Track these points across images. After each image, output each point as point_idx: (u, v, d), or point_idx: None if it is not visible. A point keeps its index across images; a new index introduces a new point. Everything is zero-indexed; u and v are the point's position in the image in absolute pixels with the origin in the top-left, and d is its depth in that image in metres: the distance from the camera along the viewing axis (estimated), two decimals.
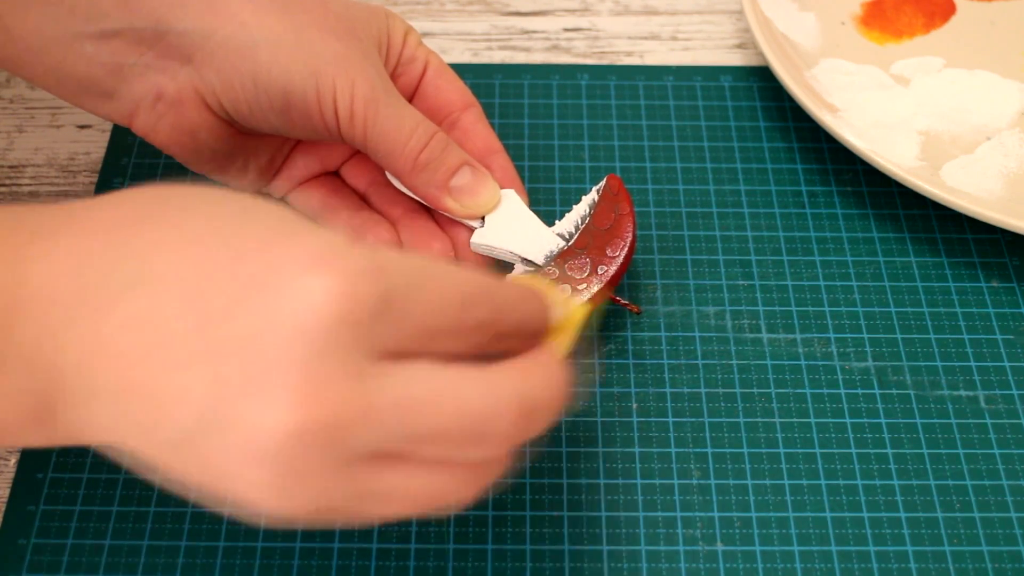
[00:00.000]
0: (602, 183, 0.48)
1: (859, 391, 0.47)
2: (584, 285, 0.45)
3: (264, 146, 0.48)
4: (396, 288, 0.31)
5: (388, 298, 0.31)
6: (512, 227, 0.47)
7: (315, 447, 0.30)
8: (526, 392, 0.33)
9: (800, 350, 0.48)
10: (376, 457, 0.32)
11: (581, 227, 0.47)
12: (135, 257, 0.33)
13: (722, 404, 0.47)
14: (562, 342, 0.38)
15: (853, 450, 0.45)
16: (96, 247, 0.34)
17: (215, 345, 0.31)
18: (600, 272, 0.45)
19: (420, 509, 0.33)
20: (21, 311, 0.33)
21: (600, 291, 0.45)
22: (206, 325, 0.31)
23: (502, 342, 0.34)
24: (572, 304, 0.41)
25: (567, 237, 0.47)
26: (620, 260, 0.46)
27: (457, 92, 0.48)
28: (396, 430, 0.31)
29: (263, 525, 0.37)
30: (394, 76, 0.47)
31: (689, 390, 0.47)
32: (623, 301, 0.47)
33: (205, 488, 0.33)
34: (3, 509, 0.44)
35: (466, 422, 0.32)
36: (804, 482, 0.45)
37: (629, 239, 0.46)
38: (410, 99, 0.48)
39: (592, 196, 0.48)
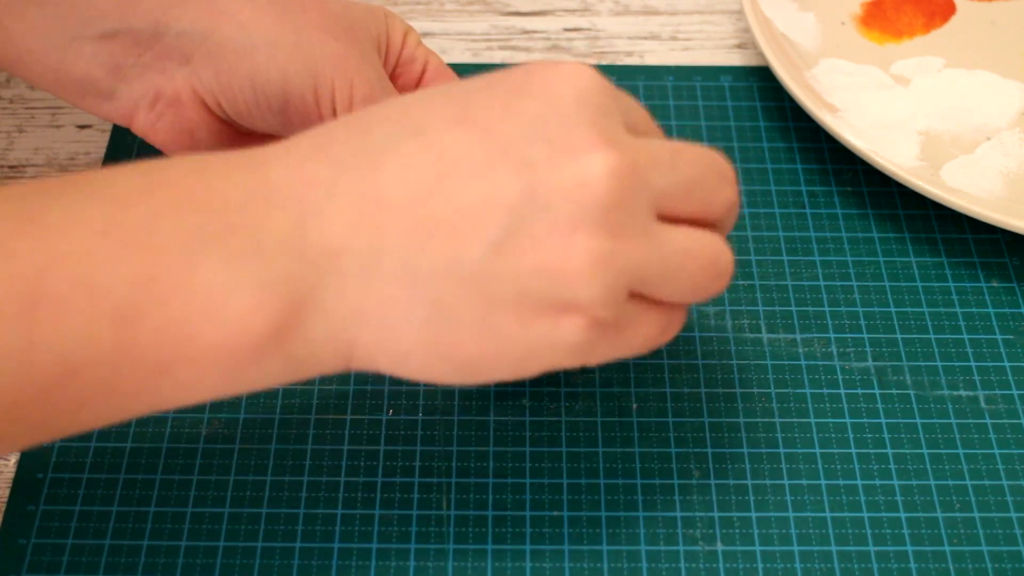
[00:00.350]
0: None
1: (859, 391, 0.47)
2: None
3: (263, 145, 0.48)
4: (616, 89, 0.37)
5: (616, 89, 0.36)
6: None
7: (629, 191, 0.34)
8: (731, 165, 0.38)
9: (800, 350, 0.48)
10: (660, 216, 0.35)
11: None
12: (388, 123, 0.35)
13: (722, 404, 0.47)
14: None
15: (853, 450, 0.45)
16: (339, 135, 0.35)
17: (507, 143, 0.33)
18: None
19: (709, 273, 0.36)
20: (274, 201, 0.33)
21: None
22: (489, 133, 0.33)
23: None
24: None
25: None
26: None
27: None
28: (672, 173, 0.35)
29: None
30: (393, 76, 0.47)
31: (689, 390, 0.47)
32: None
33: (505, 327, 0.34)
34: (3, 509, 0.44)
35: (710, 163, 0.37)
36: (804, 482, 0.45)
37: None
38: None
39: None
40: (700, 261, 0.36)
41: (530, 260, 0.33)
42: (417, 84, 0.48)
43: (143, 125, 0.46)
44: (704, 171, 0.36)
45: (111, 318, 0.31)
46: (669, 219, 0.36)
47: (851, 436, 0.46)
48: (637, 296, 0.35)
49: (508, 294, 0.33)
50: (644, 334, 0.36)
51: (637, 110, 0.38)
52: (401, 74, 0.48)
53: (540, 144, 0.33)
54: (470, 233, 0.33)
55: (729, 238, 0.52)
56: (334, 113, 0.44)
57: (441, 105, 0.35)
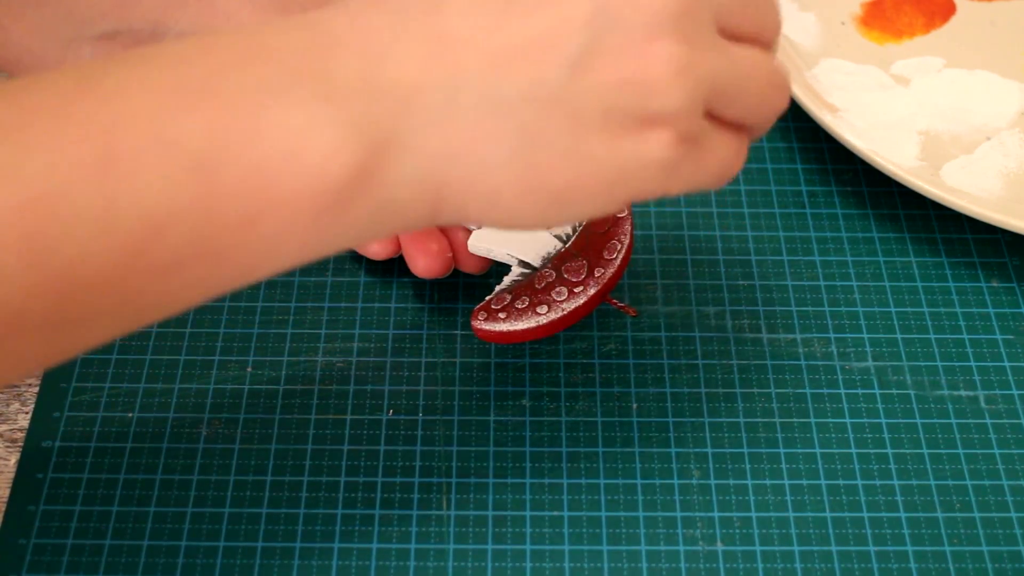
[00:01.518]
0: None
1: (859, 391, 0.47)
2: (581, 288, 0.45)
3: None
4: None
5: None
6: None
7: (697, 3, 0.34)
8: None
9: (800, 350, 0.48)
10: (721, 31, 0.35)
11: (579, 229, 0.47)
12: None
13: (722, 404, 0.47)
14: None
15: (853, 450, 0.45)
16: None
17: None
18: (597, 275, 0.45)
19: (772, 88, 0.37)
20: (334, 47, 0.32)
21: (596, 294, 0.45)
22: None
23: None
24: None
25: (564, 239, 0.47)
26: (617, 263, 0.46)
27: None
28: None
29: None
30: None
31: (689, 390, 0.47)
32: (619, 304, 0.47)
33: (592, 146, 0.34)
34: (3, 509, 0.44)
35: None
36: (804, 482, 0.45)
37: (626, 242, 0.46)
38: None
39: None
40: (764, 72, 0.37)
41: (611, 74, 0.33)
42: None
43: None
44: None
45: (188, 170, 0.31)
46: (727, 35, 0.36)
47: (851, 436, 0.46)
48: (709, 116, 0.36)
49: (593, 112, 0.33)
50: (720, 156, 0.37)
51: None
52: None
53: None
54: (547, 55, 0.33)
55: (729, 238, 0.52)
56: None
57: None
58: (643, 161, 0.34)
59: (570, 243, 0.47)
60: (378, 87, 0.32)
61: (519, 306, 0.44)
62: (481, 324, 0.44)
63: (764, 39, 0.38)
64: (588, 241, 0.47)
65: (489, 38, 0.33)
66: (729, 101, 0.36)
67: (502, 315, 0.44)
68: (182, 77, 0.31)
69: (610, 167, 0.34)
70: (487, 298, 0.45)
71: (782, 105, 0.38)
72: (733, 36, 0.36)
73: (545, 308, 0.44)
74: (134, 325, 0.33)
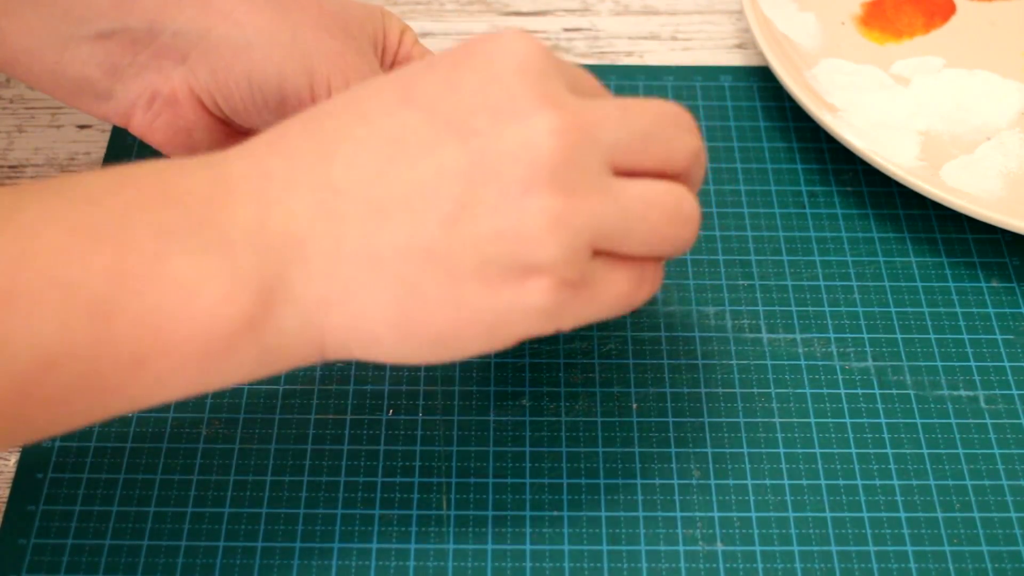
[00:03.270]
0: None
1: (859, 391, 0.47)
2: None
3: None
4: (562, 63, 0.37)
5: (559, 59, 0.37)
6: None
7: (578, 148, 0.34)
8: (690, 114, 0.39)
9: (800, 350, 0.48)
10: (616, 170, 0.35)
11: None
12: (337, 115, 0.35)
13: (722, 404, 0.47)
14: None
15: (853, 450, 0.45)
16: (292, 131, 0.35)
17: (451, 116, 0.34)
18: None
19: (672, 221, 0.36)
20: (235, 195, 0.34)
21: None
22: (433, 110, 0.34)
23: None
24: None
25: None
26: None
27: None
28: (623, 126, 0.35)
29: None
30: None
31: (689, 390, 0.47)
32: None
33: (471, 298, 0.34)
34: (3, 509, 0.44)
35: (665, 112, 0.37)
36: (804, 482, 0.45)
37: None
38: None
39: None
40: (661, 209, 0.36)
41: (486, 226, 0.33)
42: None
43: (140, 125, 0.46)
44: (658, 121, 0.37)
45: (86, 312, 0.32)
46: (627, 173, 0.36)
47: (851, 436, 0.46)
48: (604, 253, 0.36)
49: (469, 264, 0.34)
50: (615, 292, 0.36)
51: (583, 75, 0.38)
52: None
53: (483, 113, 0.34)
54: (424, 208, 0.33)
55: (729, 238, 0.52)
56: None
57: (387, 90, 0.36)
58: (523, 308, 0.34)
59: None
60: (268, 237, 0.33)
61: None
62: None
63: (674, 170, 0.37)
64: None
65: (370, 189, 0.34)
66: (619, 241, 0.36)
67: None
68: (91, 216, 0.33)
69: (489, 314, 0.34)
70: None
71: (684, 238, 0.37)
72: (634, 172, 0.36)
73: None
74: (24, 443, 0.35)
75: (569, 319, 0.36)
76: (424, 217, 0.33)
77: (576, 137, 0.34)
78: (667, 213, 0.36)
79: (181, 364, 0.33)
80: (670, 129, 0.37)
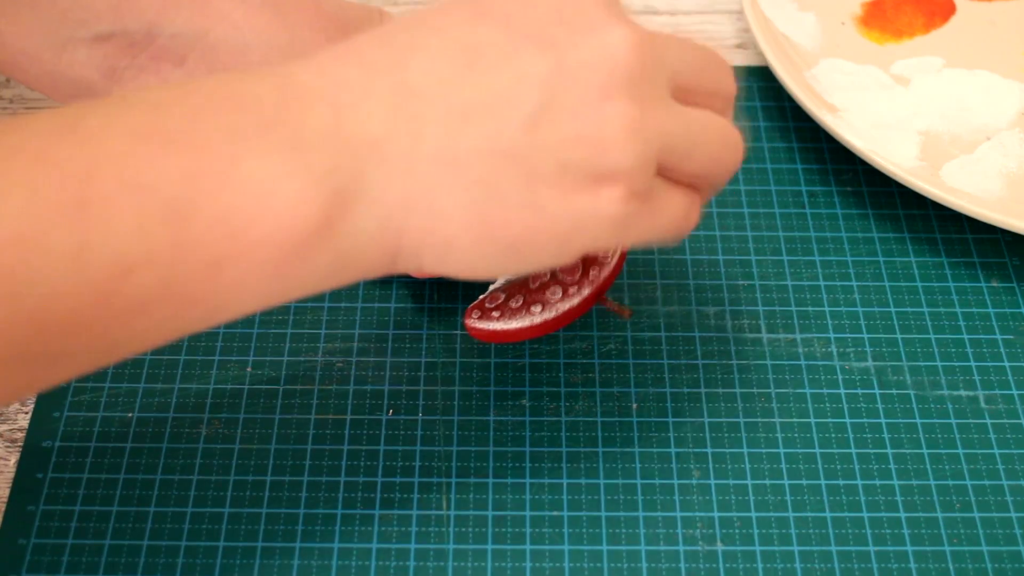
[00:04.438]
0: None
1: (859, 391, 0.47)
2: (575, 288, 0.45)
3: None
4: None
5: None
6: None
7: (650, 63, 0.35)
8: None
9: (800, 350, 0.48)
10: (675, 93, 0.37)
11: None
12: (409, 28, 0.36)
13: (722, 404, 0.47)
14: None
15: (853, 450, 0.45)
16: (364, 42, 0.36)
17: (528, 28, 0.35)
18: (592, 275, 0.45)
19: (727, 147, 0.39)
20: (307, 99, 0.34)
21: (591, 294, 0.45)
22: (510, 23, 0.35)
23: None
24: None
25: None
26: (612, 263, 0.46)
27: None
28: (682, 54, 0.37)
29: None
30: None
31: (689, 390, 0.47)
32: (613, 305, 0.47)
33: (547, 202, 0.35)
34: (3, 509, 0.44)
35: (710, 52, 0.39)
36: (804, 482, 0.45)
37: None
38: None
39: None
40: (716, 132, 0.38)
41: (566, 131, 0.34)
42: None
43: None
44: (708, 56, 0.39)
45: (161, 215, 0.31)
46: (681, 100, 0.37)
47: (851, 436, 0.46)
48: (662, 174, 0.37)
49: (548, 167, 0.34)
50: (672, 212, 0.38)
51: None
52: None
53: (560, 26, 0.35)
54: (505, 111, 0.34)
55: (729, 238, 0.52)
56: None
57: (458, 7, 0.36)
58: (596, 216, 0.35)
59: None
60: (344, 139, 0.33)
61: (513, 305, 0.44)
62: (475, 323, 0.44)
63: (718, 102, 0.39)
64: None
65: (450, 94, 0.34)
66: (680, 160, 0.37)
67: (496, 314, 0.44)
68: (159, 122, 0.32)
69: (563, 221, 0.35)
70: (480, 296, 0.45)
71: (734, 163, 0.39)
72: (687, 98, 0.38)
73: (539, 307, 0.44)
74: (104, 362, 0.34)
75: (632, 234, 0.37)
76: (505, 120, 0.34)
77: (649, 51, 0.35)
78: (721, 137, 0.38)
79: (258, 267, 0.33)
80: (716, 65, 0.39)
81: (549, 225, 0.35)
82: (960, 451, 0.46)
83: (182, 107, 0.33)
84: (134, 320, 0.33)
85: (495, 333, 0.44)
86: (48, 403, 0.46)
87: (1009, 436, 0.46)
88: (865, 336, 0.49)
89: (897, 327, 0.49)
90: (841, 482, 0.45)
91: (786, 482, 0.45)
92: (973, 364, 0.48)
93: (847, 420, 0.46)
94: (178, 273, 0.32)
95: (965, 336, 0.49)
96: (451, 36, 0.35)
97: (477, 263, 0.36)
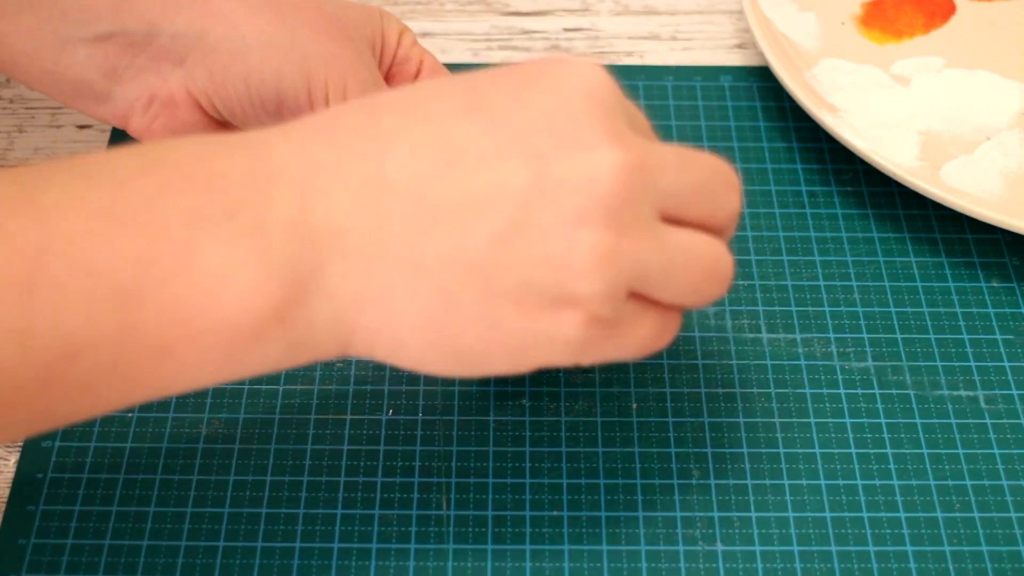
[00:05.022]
0: None
1: (859, 391, 0.47)
2: None
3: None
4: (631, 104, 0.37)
5: (623, 94, 0.36)
6: None
7: (637, 189, 0.34)
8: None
9: (800, 350, 0.48)
10: (664, 218, 0.35)
11: None
12: (396, 110, 0.34)
13: (722, 404, 0.47)
14: None
15: (853, 450, 0.45)
16: (344, 120, 0.34)
17: (515, 134, 0.33)
18: None
19: (710, 278, 0.36)
20: (278, 181, 0.33)
21: None
22: (497, 124, 0.33)
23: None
24: None
25: None
26: None
27: None
28: (678, 176, 0.35)
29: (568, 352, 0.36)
30: (388, 76, 0.47)
31: (689, 390, 0.47)
32: None
33: (505, 320, 0.34)
34: (3, 509, 0.44)
35: (717, 168, 0.37)
36: (804, 482, 0.45)
37: None
38: None
39: None
40: (703, 263, 0.36)
41: (534, 250, 0.33)
42: None
43: (138, 127, 0.46)
44: (711, 177, 0.37)
45: (111, 299, 0.31)
46: (673, 222, 0.36)
47: (851, 436, 0.46)
48: (636, 296, 0.36)
49: (511, 284, 0.33)
50: (640, 336, 0.36)
51: (639, 115, 0.38)
52: (396, 74, 0.48)
53: (549, 137, 0.33)
54: (476, 221, 0.33)
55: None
56: None
57: (450, 94, 0.35)
58: (553, 338, 0.34)
59: None
60: (308, 228, 0.32)
61: None
62: None
63: (715, 226, 0.37)
64: None
65: (423, 192, 0.33)
66: (656, 287, 0.35)
67: None
68: (119, 198, 0.32)
69: (519, 338, 0.34)
70: None
71: (717, 294, 0.37)
72: (678, 220, 0.36)
73: None
74: (48, 429, 0.34)
75: (592, 355, 0.36)
76: (473, 230, 0.33)
77: (637, 178, 0.34)
78: (706, 267, 0.36)
79: (207, 354, 0.33)
80: (720, 186, 0.37)
81: (504, 340, 0.34)
82: (960, 451, 0.46)
83: (145, 183, 0.32)
84: (79, 398, 0.33)
85: None
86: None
87: (1009, 436, 0.46)
88: (865, 336, 0.49)
89: (897, 327, 0.49)
90: (841, 482, 0.45)
91: (786, 482, 0.45)
92: (973, 364, 0.48)
93: (847, 420, 0.46)
94: (126, 357, 0.32)
95: (965, 336, 0.49)
96: (437, 127, 0.34)
97: (427, 365, 0.35)
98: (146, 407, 0.46)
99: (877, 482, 0.45)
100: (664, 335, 0.37)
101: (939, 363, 0.48)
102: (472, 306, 0.33)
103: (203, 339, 0.32)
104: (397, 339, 0.34)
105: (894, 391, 0.47)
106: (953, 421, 0.46)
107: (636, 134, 0.35)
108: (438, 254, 0.33)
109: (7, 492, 0.44)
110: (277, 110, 0.44)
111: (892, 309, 0.50)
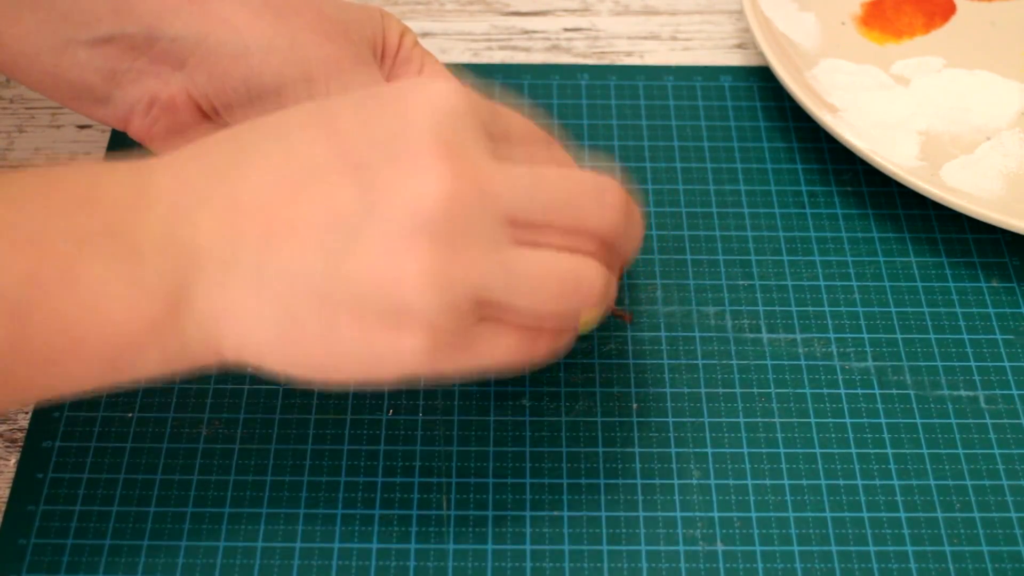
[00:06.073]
0: None
1: (859, 391, 0.47)
2: None
3: None
4: (495, 107, 0.37)
5: (493, 108, 0.36)
6: None
7: (469, 211, 0.34)
8: (622, 190, 0.38)
9: (800, 350, 0.48)
10: (517, 237, 0.35)
11: None
12: (261, 135, 0.36)
13: (722, 404, 0.47)
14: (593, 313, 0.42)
15: (853, 450, 0.45)
16: (218, 143, 0.36)
17: (356, 155, 0.34)
18: None
19: (566, 297, 0.36)
20: (151, 202, 0.35)
21: None
22: (343, 145, 0.35)
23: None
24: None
25: None
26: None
27: None
28: (531, 195, 0.35)
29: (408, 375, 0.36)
30: (389, 78, 0.47)
31: (689, 390, 0.47)
32: (614, 308, 0.47)
33: (348, 337, 0.34)
34: (3, 509, 0.44)
35: (586, 185, 0.37)
36: (804, 482, 0.45)
37: None
38: None
39: None
40: (557, 283, 0.36)
41: (367, 270, 0.34)
42: None
43: (139, 130, 0.46)
44: (573, 195, 0.36)
45: (5, 313, 0.33)
46: (532, 242, 0.35)
47: (851, 436, 0.46)
48: (492, 315, 0.36)
49: (347, 302, 0.34)
50: (501, 351, 0.36)
51: (516, 121, 0.38)
52: (397, 75, 0.47)
53: (385, 159, 0.34)
54: (311, 240, 0.34)
55: (729, 238, 0.52)
56: None
57: (311, 114, 0.36)
58: (398, 351, 0.35)
59: None
60: (176, 247, 0.34)
61: None
62: None
63: (588, 246, 0.36)
64: None
65: (271, 214, 0.34)
66: (503, 309, 0.35)
67: None
68: (11, 221, 0.34)
69: (365, 352, 0.35)
70: None
71: (574, 311, 0.37)
72: (536, 240, 0.35)
73: None
74: None
75: (449, 366, 0.36)
76: (312, 249, 0.34)
77: (468, 199, 0.34)
78: (562, 287, 0.36)
79: (90, 363, 0.35)
80: (587, 204, 0.36)
81: (352, 354, 0.35)
82: (960, 451, 0.46)
83: (37, 204, 0.35)
84: None
85: None
86: (48, 403, 0.46)
87: (1009, 436, 0.46)
88: (865, 336, 0.49)
89: (897, 327, 0.49)
90: (841, 482, 0.45)
91: (786, 482, 0.45)
92: (973, 364, 0.48)
93: (847, 420, 0.46)
94: (14, 366, 0.34)
95: (965, 336, 0.49)
96: (292, 148, 0.35)
97: (291, 374, 0.36)
98: (146, 407, 0.46)
99: (877, 482, 0.45)
100: (536, 348, 0.37)
101: (939, 363, 0.48)
102: (315, 323, 0.35)
103: (86, 350, 0.34)
104: (257, 351, 0.36)
105: (894, 391, 0.47)
106: (953, 421, 0.46)
107: (488, 153, 0.35)
108: (281, 272, 0.34)
109: (7, 492, 0.44)
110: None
111: (892, 309, 0.50)
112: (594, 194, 0.37)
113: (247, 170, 0.35)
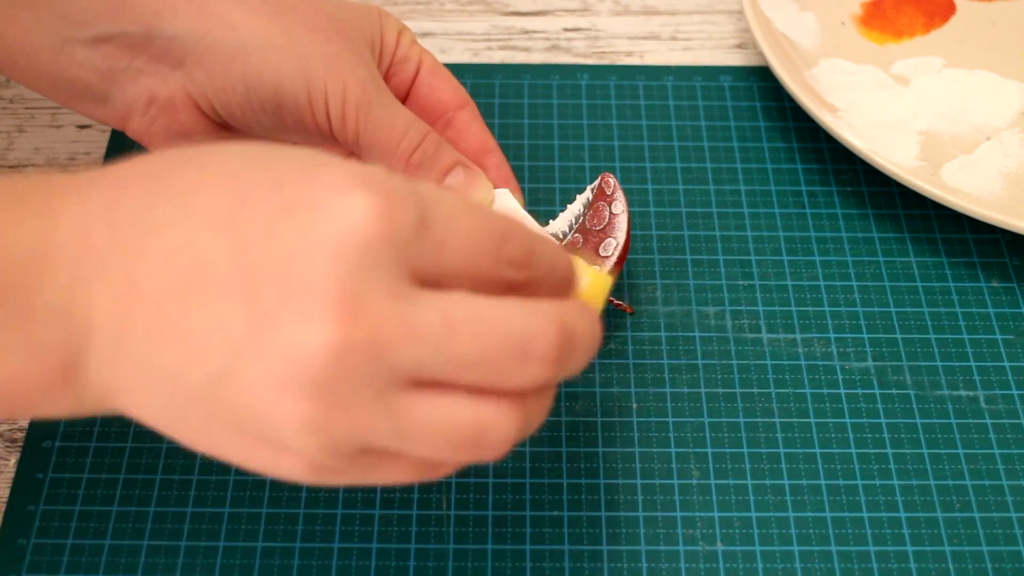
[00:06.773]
0: (596, 182, 0.48)
1: (859, 391, 0.47)
2: None
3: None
4: (434, 214, 0.32)
5: (426, 222, 0.32)
6: None
7: (357, 367, 0.31)
8: (566, 318, 0.33)
9: (800, 350, 0.48)
10: (417, 383, 0.32)
11: (575, 226, 0.47)
12: (172, 198, 0.33)
13: (722, 404, 0.47)
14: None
15: (853, 450, 0.45)
16: (132, 192, 0.34)
17: (252, 271, 0.31)
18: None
19: (465, 449, 0.33)
20: (52, 262, 0.33)
21: None
22: (243, 252, 0.32)
23: (532, 288, 0.34)
24: (597, 274, 0.40)
25: (560, 237, 0.47)
26: (613, 260, 0.46)
27: (451, 91, 0.48)
28: (437, 350, 0.31)
29: (287, 485, 0.35)
30: (387, 76, 0.47)
31: (689, 390, 0.47)
32: (615, 301, 0.47)
33: (229, 444, 0.33)
34: (3, 509, 0.44)
35: (509, 339, 0.32)
36: (804, 482, 0.45)
37: (623, 239, 0.46)
38: (404, 99, 0.48)
39: (587, 195, 0.48)
40: (453, 436, 0.33)
41: (245, 398, 0.32)
42: (411, 84, 0.48)
43: (137, 129, 0.46)
44: (490, 350, 0.32)
45: None
46: (435, 386, 0.32)
47: (851, 436, 0.46)
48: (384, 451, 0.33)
49: (228, 420, 0.33)
50: (394, 477, 0.34)
51: (457, 231, 0.33)
52: (395, 73, 0.48)
53: (278, 291, 0.31)
54: (196, 352, 0.32)
55: (729, 238, 0.52)
56: (327, 114, 0.43)
57: (228, 189, 0.33)
58: (278, 469, 0.33)
59: (566, 241, 0.47)
60: (71, 317, 0.33)
61: None
62: None
63: (507, 396, 0.33)
64: (584, 238, 0.47)
65: (162, 308, 0.32)
66: (392, 456, 0.33)
67: None
68: None
69: (248, 462, 0.34)
70: None
71: (480, 461, 0.34)
72: (443, 385, 0.32)
73: None
74: None
75: (337, 484, 0.35)
76: (196, 362, 0.32)
77: (357, 354, 0.31)
78: (460, 442, 0.33)
79: None
80: (505, 361, 0.32)
81: (236, 459, 0.34)
82: (960, 451, 0.46)
83: None
84: None
85: None
86: None
87: (1009, 436, 0.46)
88: (865, 336, 0.49)
89: (897, 327, 0.49)
90: (841, 482, 0.45)
91: (786, 482, 0.45)
92: (973, 364, 0.48)
93: (847, 420, 0.46)
94: None
95: (965, 336, 0.49)
96: (193, 235, 0.32)
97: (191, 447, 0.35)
98: None
99: (877, 482, 0.45)
100: (431, 473, 0.35)
101: (939, 363, 0.48)
102: (197, 426, 0.33)
103: None
104: (155, 426, 0.34)
105: (894, 391, 0.47)
106: (953, 421, 0.46)
107: (394, 297, 0.31)
108: (166, 371, 0.33)
109: (7, 492, 0.44)
110: (276, 111, 0.44)
111: (892, 309, 0.50)
112: (517, 348, 0.32)
113: (150, 242, 0.33)
